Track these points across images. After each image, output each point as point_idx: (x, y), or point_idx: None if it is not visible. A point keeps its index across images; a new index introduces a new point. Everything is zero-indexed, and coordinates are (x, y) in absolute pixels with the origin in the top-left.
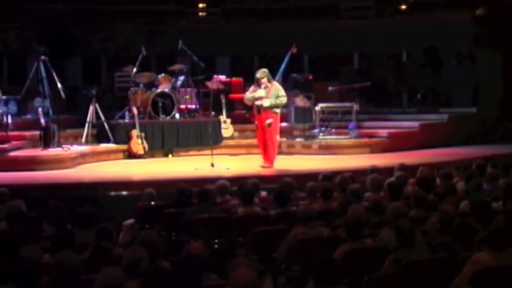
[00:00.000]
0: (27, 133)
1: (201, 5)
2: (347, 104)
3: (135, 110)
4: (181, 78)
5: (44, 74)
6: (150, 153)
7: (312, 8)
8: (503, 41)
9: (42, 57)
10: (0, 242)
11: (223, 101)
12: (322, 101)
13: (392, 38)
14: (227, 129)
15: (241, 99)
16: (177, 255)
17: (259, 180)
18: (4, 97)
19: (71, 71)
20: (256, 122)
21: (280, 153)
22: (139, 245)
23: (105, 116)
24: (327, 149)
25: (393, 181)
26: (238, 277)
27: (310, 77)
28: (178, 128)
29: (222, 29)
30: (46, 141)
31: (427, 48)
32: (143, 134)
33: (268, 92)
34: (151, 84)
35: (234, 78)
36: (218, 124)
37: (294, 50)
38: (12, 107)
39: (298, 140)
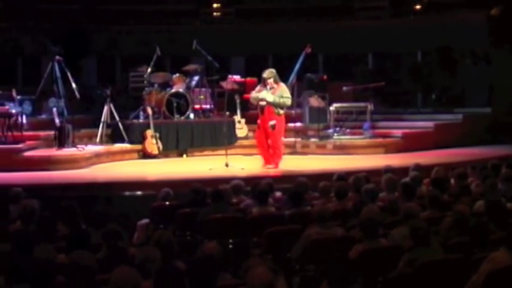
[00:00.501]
0: (42, 133)
1: (215, 5)
2: (361, 104)
3: (149, 110)
4: (196, 78)
5: (58, 74)
6: (164, 153)
7: (327, 8)
8: None
9: (57, 57)
10: (14, 241)
11: (238, 101)
12: (337, 101)
13: (406, 38)
14: (241, 129)
15: (248, 99)
16: (191, 255)
17: (273, 180)
18: (19, 97)
19: (85, 71)
20: (258, 122)
21: (294, 153)
22: (154, 245)
23: (119, 116)
24: (342, 149)
25: (408, 181)
26: (255, 277)
27: (325, 77)
28: (192, 128)
29: (236, 29)
30: (61, 141)
31: (441, 48)
32: (158, 134)
33: (273, 93)
34: (166, 84)
35: (248, 78)
36: (232, 124)
37: (309, 50)
38: (27, 107)
39: (312, 140)
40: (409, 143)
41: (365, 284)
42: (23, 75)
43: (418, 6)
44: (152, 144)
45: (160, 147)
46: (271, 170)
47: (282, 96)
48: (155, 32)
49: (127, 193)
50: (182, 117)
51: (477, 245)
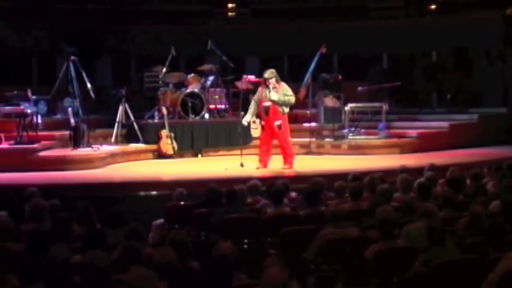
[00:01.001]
0: (57, 133)
1: (230, 5)
2: (376, 104)
3: (164, 110)
4: (211, 78)
5: (73, 74)
6: (179, 153)
7: (342, 8)
8: None
9: (72, 57)
10: (29, 241)
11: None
12: (352, 101)
13: (421, 38)
14: (256, 129)
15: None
16: (206, 255)
17: (289, 181)
18: (34, 97)
19: (100, 71)
20: (263, 123)
21: (309, 153)
22: (169, 245)
23: (134, 116)
24: (357, 149)
25: (423, 181)
26: (270, 277)
27: (340, 77)
28: (207, 128)
29: (251, 29)
30: (76, 141)
31: (456, 48)
32: (173, 134)
33: (277, 92)
34: (181, 84)
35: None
36: (247, 124)
37: (324, 50)
38: (42, 107)
39: (327, 140)
40: (424, 143)
41: (380, 284)
42: (38, 76)
43: (433, 6)
44: (167, 144)
45: (175, 147)
46: (286, 170)
47: (286, 95)
48: (170, 32)
49: (142, 193)
50: (197, 117)
51: (492, 246)
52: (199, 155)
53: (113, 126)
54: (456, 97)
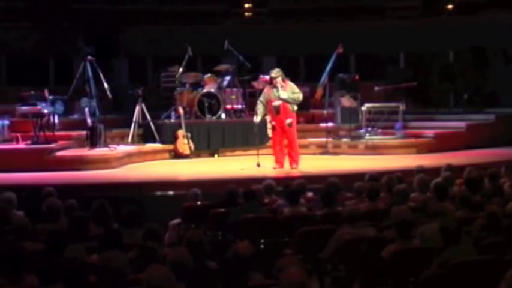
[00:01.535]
0: (74, 133)
1: (247, 5)
2: (393, 104)
3: (181, 110)
4: (228, 78)
5: (90, 74)
6: (196, 153)
7: (358, 8)
8: None
9: (89, 57)
10: (47, 240)
11: None
12: (369, 101)
13: (438, 38)
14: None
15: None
16: (223, 255)
17: (306, 181)
18: (51, 97)
19: (117, 71)
20: (273, 123)
21: (326, 153)
22: (186, 245)
23: (151, 116)
24: (373, 149)
25: (440, 181)
26: (288, 277)
27: (357, 77)
28: (224, 128)
29: (268, 29)
30: (92, 141)
31: (473, 48)
32: (189, 134)
33: (284, 91)
34: (198, 84)
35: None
36: (264, 124)
37: (340, 49)
38: (59, 107)
39: (344, 140)
40: (441, 143)
41: (396, 285)
42: (55, 76)
43: (450, 6)
44: (184, 144)
45: (192, 147)
46: (294, 170)
47: (294, 92)
48: (187, 32)
49: (158, 193)
50: (214, 117)
51: (510, 246)
52: (216, 155)
53: (129, 126)
54: (473, 97)
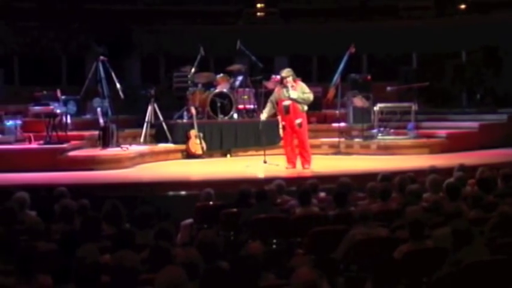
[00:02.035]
0: (86, 133)
1: (259, 5)
2: (406, 104)
3: (193, 110)
4: (240, 78)
5: (103, 74)
6: (208, 153)
7: (371, 8)
8: None
9: (101, 57)
10: (60, 241)
11: None
12: (381, 101)
13: (451, 38)
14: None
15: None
16: (235, 255)
17: (318, 181)
18: (63, 97)
19: (129, 71)
20: (284, 123)
21: (338, 153)
22: (198, 245)
23: (163, 116)
24: (386, 149)
25: (452, 182)
26: (299, 277)
27: (369, 77)
28: (236, 128)
29: (280, 29)
30: (105, 141)
31: (486, 48)
32: (201, 134)
33: (295, 90)
34: (210, 84)
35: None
36: (276, 124)
37: (353, 50)
38: (72, 107)
39: (356, 140)
40: (454, 144)
41: (409, 285)
42: (67, 76)
43: (462, 6)
44: (196, 144)
45: (204, 147)
46: (307, 170)
47: (304, 92)
48: (199, 32)
49: (171, 193)
50: (226, 117)
51: None
52: (228, 155)
53: (142, 126)
54: (486, 97)
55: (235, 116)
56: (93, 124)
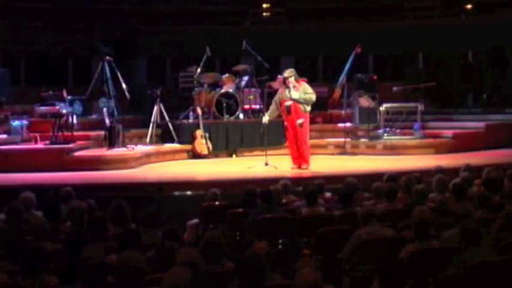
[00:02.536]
0: (92, 133)
1: (265, 5)
2: (412, 104)
3: (199, 110)
4: (246, 78)
5: (108, 74)
6: (214, 153)
7: (377, 8)
8: None
9: (107, 57)
10: (67, 241)
11: None
12: (387, 101)
13: (457, 38)
14: None
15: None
16: (241, 255)
17: (324, 181)
18: (69, 97)
19: (135, 71)
20: (286, 124)
21: (344, 153)
22: (204, 245)
23: (169, 116)
24: (392, 150)
25: (459, 182)
26: (302, 277)
27: (375, 77)
28: (242, 128)
29: (286, 29)
30: (111, 141)
31: (493, 48)
32: (207, 134)
33: (297, 91)
34: (216, 85)
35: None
36: (282, 125)
37: (359, 50)
38: (78, 107)
39: (362, 140)
40: (460, 144)
41: (415, 285)
42: (73, 76)
43: (469, 6)
44: (202, 144)
45: (210, 147)
46: (305, 171)
47: (306, 93)
48: (205, 32)
49: (177, 193)
50: (232, 118)
51: None
52: (234, 155)
53: (147, 126)
54: (492, 97)
55: (241, 116)
56: (99, 124)
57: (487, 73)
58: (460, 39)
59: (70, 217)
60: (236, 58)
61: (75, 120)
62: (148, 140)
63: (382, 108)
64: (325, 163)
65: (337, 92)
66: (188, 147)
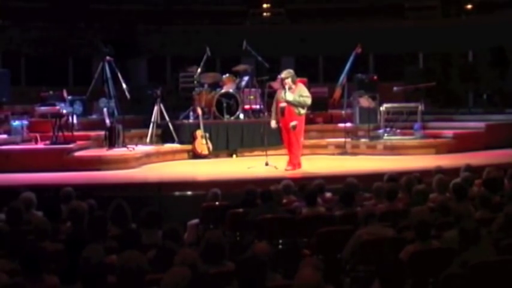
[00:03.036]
0: (93, 133)
1: (265, 6)
2: (412, 104)
3: (199, 110)
4: (246, 78)
5: (109, 74)
6: (214, 154)
7: (377, 8)
8: None
9: (107, 57)
10: (65, 242)
11: None
12: (387, 101)
13: (458, 38)
14: None
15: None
16: (241, 255)
17: (324, 181)
18: (70, 97)
19: (135, 72)
20: (280, 125)
21: (344, 153)
22: (204, 245)
23: (169, 116)
24: (392, 150)
25: (459, 182)
26: (303, 278)
27: (375, 77)
28: (242, 128)
29: (286, 29)
30: (111, 141)
31: (493, 48)
32: (207, 134)
33: (292, 93)
34: (216, 85)
35: (298, 79)
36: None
37: (359, 50)
38: (78, 107)
39: (362, 140)
40: (460, 144)
41: (415, 286)
42: (74, 76)
43: (469, 6)
44: (202, 144)
45: (210, 147)
46: (288, 172)
47: (302, 95)
48: (205, 32)
49: (177, 193)
50: (232, 118)
51: None
52: (234, 155)
53: (148, 127)
54: (493, 97)
55: (241, 116)
56: (99, 124)
57: (487, 73)
58: (461, 39)
59: (70, 217)
60: (236, 58)
61: (75, 120)
62: (148, 140)
63: (382, 108)
64: (325, 163)
65: (337, 92)
66: (188, 147)
